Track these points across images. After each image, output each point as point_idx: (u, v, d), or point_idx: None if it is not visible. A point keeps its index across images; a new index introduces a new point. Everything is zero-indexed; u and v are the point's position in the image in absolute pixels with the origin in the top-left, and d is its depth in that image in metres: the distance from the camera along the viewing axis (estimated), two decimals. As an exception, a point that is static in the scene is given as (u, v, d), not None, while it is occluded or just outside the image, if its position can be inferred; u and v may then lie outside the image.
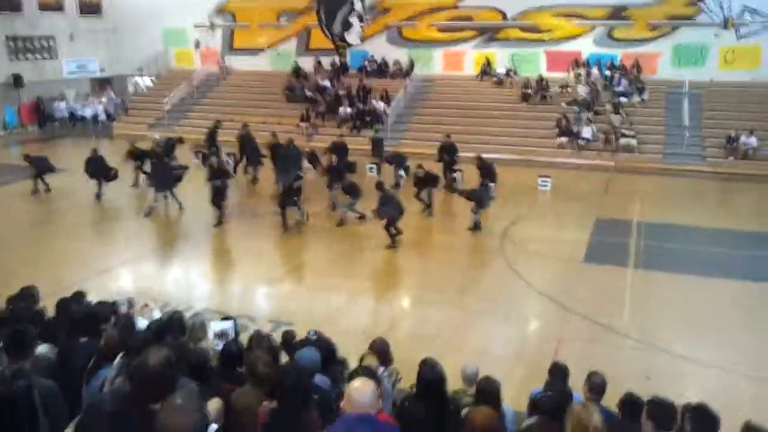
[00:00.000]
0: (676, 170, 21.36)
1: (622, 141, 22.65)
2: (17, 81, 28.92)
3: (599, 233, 14.80)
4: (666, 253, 13.53)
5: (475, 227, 14.91)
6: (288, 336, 6.68)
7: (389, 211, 13.73)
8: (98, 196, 17.56)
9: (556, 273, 12.50)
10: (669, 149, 22.45)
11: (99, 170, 17.61)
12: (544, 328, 10.34)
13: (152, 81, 33.62)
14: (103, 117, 30.41)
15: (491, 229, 15.11)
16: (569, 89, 25.70)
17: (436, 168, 18.10)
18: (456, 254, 13.76)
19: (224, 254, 14.29)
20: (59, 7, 31.24)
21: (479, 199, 14.97)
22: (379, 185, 14.42)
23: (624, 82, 25.24)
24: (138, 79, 34.28)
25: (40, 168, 18.37)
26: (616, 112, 23.61)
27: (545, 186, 19.08)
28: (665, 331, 9.92)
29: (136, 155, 18.72)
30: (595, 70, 26.05)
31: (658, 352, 9.25)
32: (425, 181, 16.34)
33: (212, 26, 32.30)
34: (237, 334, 6.31)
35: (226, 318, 6.76)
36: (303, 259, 13.73)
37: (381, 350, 6.21)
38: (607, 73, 25.92)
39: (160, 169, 17.03)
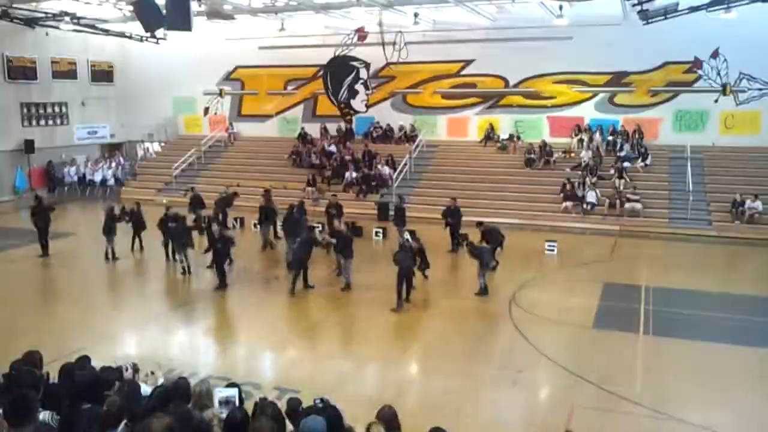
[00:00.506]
0: (681, 234, 21.35)
1: (627, 205, 22.73)
2: (29, 146, 29.47)
3: (608, 298, 14.67)
4: (676, 318, 13.37)
5: (482, 291, 14.82)
6: (293, 403, 6.53)
7: (406, 260, 14.00)
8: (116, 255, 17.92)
9: (566, 339, 12.33)
10: (674, 213, 22.51)
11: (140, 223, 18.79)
12: (555, 396, 10.12)
13: (161, 146, 34.18)
14: (111, 182, 30.77)
15: (499, 294, 15.00)
16: (572, 154, 26.01)
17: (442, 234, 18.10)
18: (463, 319, 13.60)
19: (229, 319, 14.19)
20: (72, 75, 32.11)
21: (481, 256, 14.94)
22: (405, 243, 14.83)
23: (626, 147, 25.54)
24: (147, 144, 34.88)
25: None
26: (620, 177, 23.81)
27: (552, 250, 19.05)
28: (678, 399, 9.70)
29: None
30: (597, 135, 26.42)
31: (672, 421, 9.01)
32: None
33: (221, 94, 33.04)
34: (242, 401, 6.17)
35: (230, 385, 6.64)
36: (309, 324, 13.60)
37: (388, 418, 6.05)
38: (610, 138, 26.28)
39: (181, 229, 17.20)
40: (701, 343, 11.96)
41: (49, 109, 31.20)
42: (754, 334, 12.43)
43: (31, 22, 25.96)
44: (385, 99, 30.11)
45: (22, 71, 29.63)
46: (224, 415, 5.62)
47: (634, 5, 18.95)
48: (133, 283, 16.83)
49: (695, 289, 15.54)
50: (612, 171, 24.44)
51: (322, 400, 6.27)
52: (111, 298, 15.58)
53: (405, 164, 26.84)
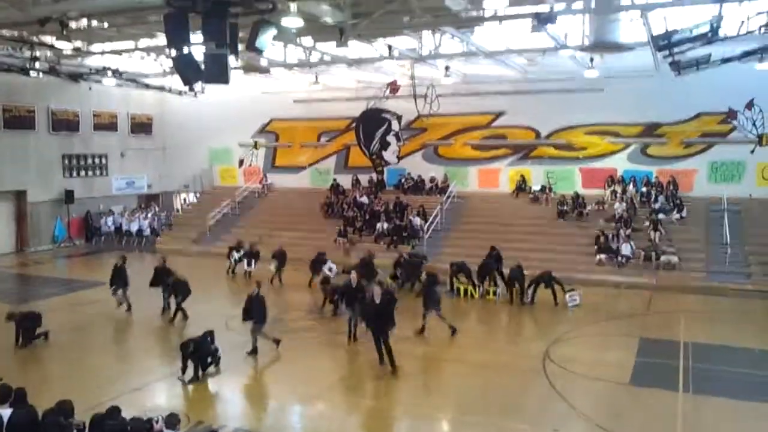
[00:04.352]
0: (719, 288, 20.77)
1: (663, 258, 22.30)
2: (69, 196, 30.28)
3: (645, 354, 14.27)
4: (716, 376, 12.96)
5: (421, 331, 15.20)
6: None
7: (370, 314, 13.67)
8: (164, 309, 17.71)
9: (602, 396, 11.98)
10: (711, 267, 21.97)
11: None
12: (592, 456, 9.78)
13: (197, 197, 34.81)
14: (147, 232, 31.33)
15: (532, 349, 14.73)
16: (606, 206, 25.76)
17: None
18: (495, 374, 13.33)
19: (258, 370, 14.10)
20: (113, 127, 33.14)
21: (427, 295, 15.48)
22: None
23: (661, 198, 25.23)
24: (183, 195, 35.56)
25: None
26: (655, 229, 23.42)
27: (574, 301, 18.70)
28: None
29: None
30: (630, 187, 26.18)
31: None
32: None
33: (256, 145, 33.71)
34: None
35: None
36: (339, 377, 13.44)
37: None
38: (644, 189, 26.00)
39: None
40: (743, 402, 11.50)
41: (90, 161, 32.17)
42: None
43: (75, 77, 26.98)
44: (416, 150, 30.39)
45: (65, 123, 30.74)
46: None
47: (665, 57, 18.95)
48: (165, 334, 16.87)
49: (736, 345, 15.05)
50: (647, 223, 24.07)
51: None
52: (142, 348, 15.63)
53: (436, 215, 26.85)
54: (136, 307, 17.88)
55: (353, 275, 15.90)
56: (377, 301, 13.28)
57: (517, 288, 19.15)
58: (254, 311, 14.15)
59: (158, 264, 18.31)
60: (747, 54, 18.41)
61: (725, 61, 18.69)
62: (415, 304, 16.19)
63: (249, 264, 22.81)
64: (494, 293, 19.69)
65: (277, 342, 14.49)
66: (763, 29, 15.03)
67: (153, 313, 17.71)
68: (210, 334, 13.42)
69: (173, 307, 17.17)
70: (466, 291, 19.96)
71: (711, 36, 15.29)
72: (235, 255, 23.52)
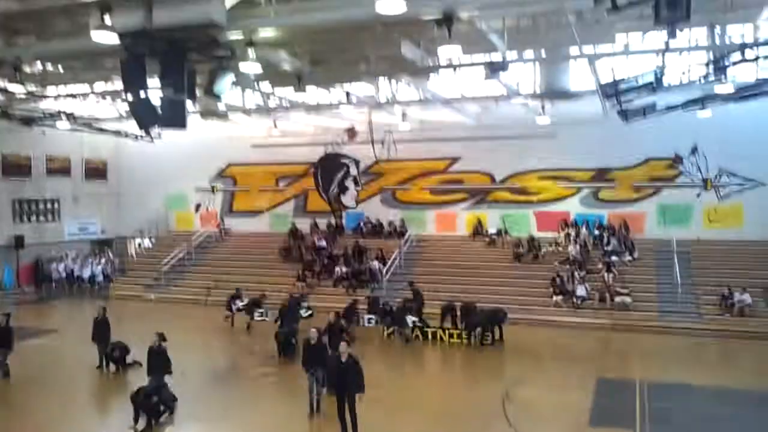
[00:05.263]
0: (672, 328, 21.23)
1: (617, 299, 22.74)
2: (18, 242, 29.41)
3: (602, 394, 14.42)
4: (673, 414, 13.14)
5: None
6: None
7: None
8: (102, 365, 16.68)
9: (561, 437, 12.02)
10: (664, 307, 22.47)
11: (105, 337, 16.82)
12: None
13: (151, 242, 34.20)
14: (100, 278, 30.52)
15: (492, 390, 14.73)
16: (560, 248, 26.26)
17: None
18: (455, 418, 13.26)
19: (214, 418, 13.72)
20: (66, 172, 32.47)
21: None
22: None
23: (613, 241, 25.84)
24: (138, 240, 34.87)
25: None
26: (609, 271, 23.94)
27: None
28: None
29: None
30: (584, 230, 26.77)
31: None
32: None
33: (213, 190, 33.48)
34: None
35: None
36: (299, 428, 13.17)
37: None
38: (597, 232, 26.63)
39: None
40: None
41: (41, 206, 31.39)
42: (753, 429, 12.18)
43: (29, 122, 26.54)
44: (374, 195, 30.59)
45: (16, 168, 30.01)
46: None
47: (613, 105, 19.70)
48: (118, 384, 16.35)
49: (690, 383, 15.33)
50: (600, 265, 24.59)
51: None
52: (97, 398, 15.11)
53: (395, 259, 26.95)
54: (86, 355, 17.24)
55: (313, 332, 13.73)
56: (342, 360, 11.69)
57: (479, 330, 19.23)
58: None
59: (98, 315, 16.93)
60: (690, 102, 19.28)
61: (670, 108, 19.52)
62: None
63: (251, 314, 21.94)
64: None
65: None
66: (702, 79, 15.81)
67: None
68: (162, 384, 13.01)
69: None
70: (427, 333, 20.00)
71: (655, 85, 16.02)
72: (238, 304, 22.47)
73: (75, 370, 16.82)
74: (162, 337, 13.81)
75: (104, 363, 16.63)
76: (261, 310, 22.07)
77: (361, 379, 11.42)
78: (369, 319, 21.75)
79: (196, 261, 30.64)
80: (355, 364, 11.56)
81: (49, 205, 31.74)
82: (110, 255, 32.51)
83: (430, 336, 19.90)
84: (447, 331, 19.81)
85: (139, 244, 34.47)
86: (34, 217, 30.97)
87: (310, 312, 21.53)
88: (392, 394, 14.65)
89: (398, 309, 20.87)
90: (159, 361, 13.40)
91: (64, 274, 30.56)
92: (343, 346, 11.89)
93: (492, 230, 28.30)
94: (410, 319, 20.20)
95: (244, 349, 19.24)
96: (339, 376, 11.60)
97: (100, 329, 16.70)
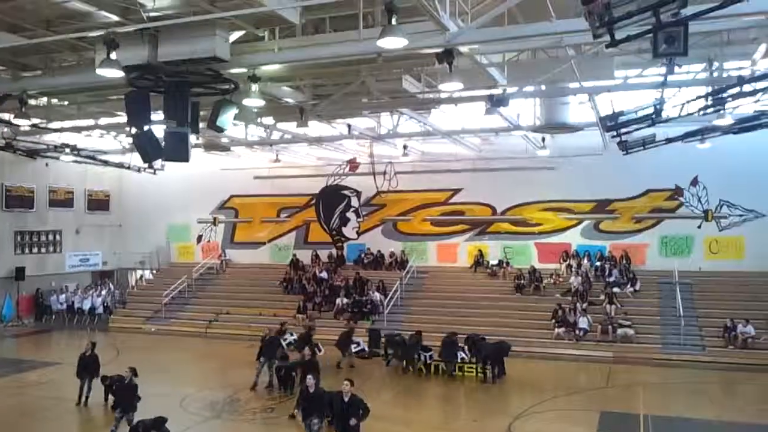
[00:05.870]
0: (675, 360, 21.10)
1: (620, 331, 22.62)
2: (19, 274, 29.40)
3: (606, 428, 14.28)
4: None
5: None
6: None
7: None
8: (83, 399, 16.12)
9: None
10: (667, 339, 22.36)
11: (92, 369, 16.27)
12: None
13: (153, 274, 34.16)
14: (100, 310, 30.42)
15: (495, 424, 14.58)
16: (561, 280, 26.20)
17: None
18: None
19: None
20: (69, 204, 32.60)
21: None
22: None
23: (615, 272, 25.80)
24: (139, 272, 34.87)
25: None
26: (611, 302, 23.85)
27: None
28: None
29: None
30: (585, 261, 26.75)
31: None
32: None
33: (215, 222, 33.57)
34: None
35: None
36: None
37: None
38: (598, 263, 26.60)
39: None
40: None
41: (43, 237, 31.43)
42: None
43: (32, 154, 26.74)
44: (375, 226, 30.65)
45: (19, 200, 30.14)
46: None
47: (613, 137, 19.84)
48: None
49: (694, 416, 15.20)
50: (602, 297, 24.53)
51: None
52: None
53: (396, 290, 26.88)
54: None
55: (310, 380, 12.57)
56: (345, 399, 11.42)
57: (487, 365, 18.88)
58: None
59: (86, 351, 16.33)
60: (689, 134, 19.40)
61: (669, 140, 19.64)
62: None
63: (301, 350, 18.34)
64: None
65: None
66: (701, 112, 15.93)
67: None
68: (162, 419, 12.84)
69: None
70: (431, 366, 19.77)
71: (654, 117, 16.14)
72: (288, 338, 20.70)
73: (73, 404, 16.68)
74: (134, 372, 13.82)
75: (83, 400, 16.03)
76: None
77: (365, 415, 11.31)
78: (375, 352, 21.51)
79: (196, 293, 30.57)
80: (360, 402, 11.43)
81: (50, 237, 31.79)
82: (111, 286, 32.48)
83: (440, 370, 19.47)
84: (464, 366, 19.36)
85: (141, 276, 34.47)
86: (35, 249, 31.02)
87: (293, 340, 20.63)
88: (395, 428, 14.55)
89: (410, 341, 20.44)
90: (129, 394, 13.43)
91: (64, 306, 30.50)
92: (346, 385, 11.63)
93: (493, 261, 28.29)
94: (460, 354, 19.31)
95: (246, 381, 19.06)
96: (342, 416, 11.34)
97: (87, 365, 16.23)
